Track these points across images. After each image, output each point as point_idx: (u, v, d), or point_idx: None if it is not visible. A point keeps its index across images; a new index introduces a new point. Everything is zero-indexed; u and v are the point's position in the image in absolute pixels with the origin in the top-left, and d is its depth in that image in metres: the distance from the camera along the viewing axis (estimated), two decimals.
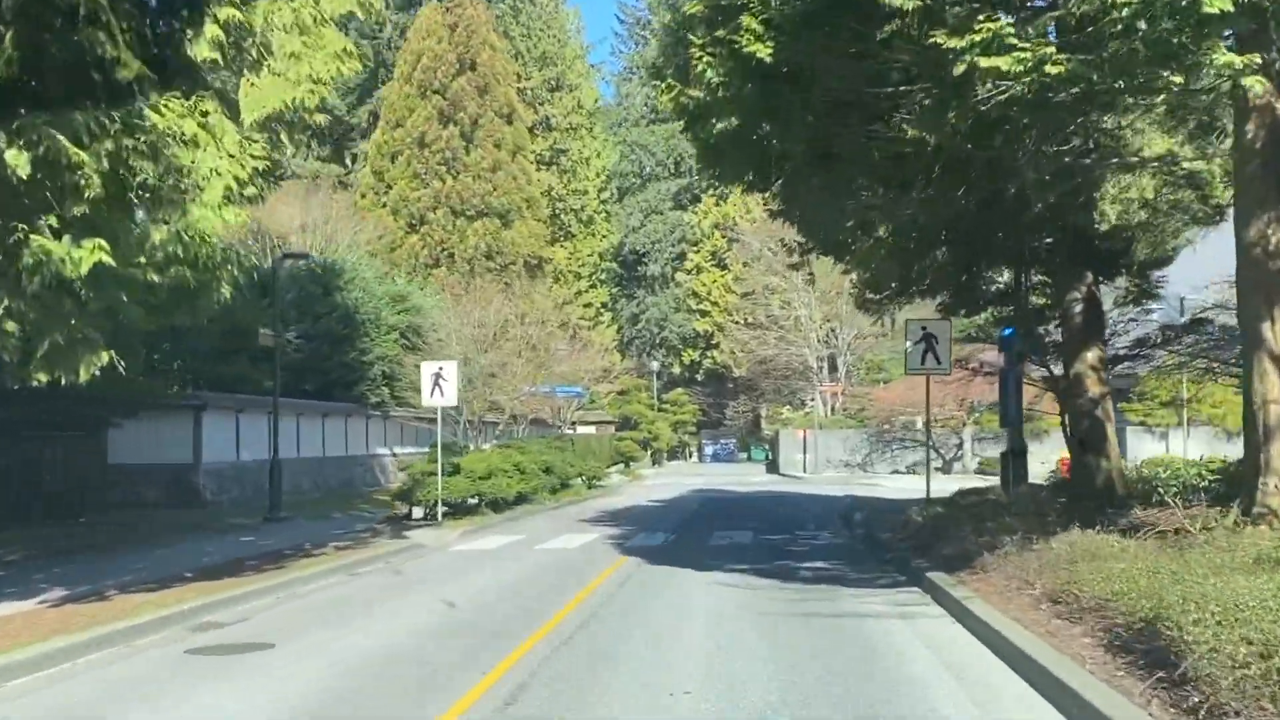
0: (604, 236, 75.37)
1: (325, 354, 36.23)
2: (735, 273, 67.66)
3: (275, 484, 24.74)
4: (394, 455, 40.08)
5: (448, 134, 54.15)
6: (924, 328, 21.94)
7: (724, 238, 69.98)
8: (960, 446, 48.50)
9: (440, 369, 23.76)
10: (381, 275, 42.89)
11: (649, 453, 60.76)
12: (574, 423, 67.01)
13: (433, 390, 23.62)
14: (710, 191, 72.95)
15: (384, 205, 55.07)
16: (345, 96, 71.29)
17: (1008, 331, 22.26)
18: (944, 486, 41.76)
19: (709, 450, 68.62)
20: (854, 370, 56.40)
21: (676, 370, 74.74)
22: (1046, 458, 49.19)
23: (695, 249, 72.75)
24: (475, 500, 25.92)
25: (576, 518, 27.62)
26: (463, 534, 22.39)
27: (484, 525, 24.01)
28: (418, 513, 24.28)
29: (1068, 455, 22.61)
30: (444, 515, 24.04)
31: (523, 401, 45.72)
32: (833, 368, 58.07)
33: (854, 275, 23.47)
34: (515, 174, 56.22)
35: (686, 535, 22.35)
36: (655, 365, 66.99)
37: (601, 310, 75.65)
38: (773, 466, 57.24)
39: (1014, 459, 21.10)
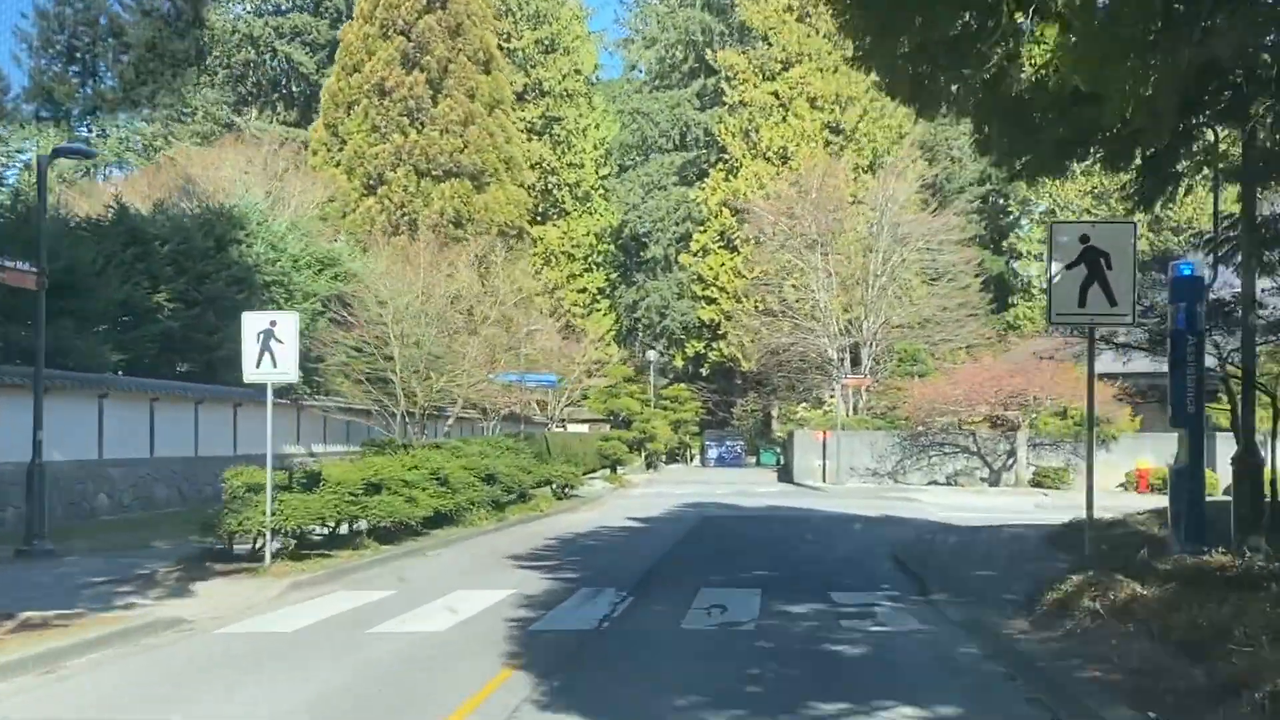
0: (601, 215, 66.50)
1: (211, 325, 27.46)
2: (745, 255, 58.72)
3: (34, 497, 15.90)
4: (312, 456, 31.22)
5: (411, 80, 45.37)
6: (1085, 236, 12.87)
7: (733, 215, 61.02)
8: (1011, 454, 39.47)
9: (273, 324, 14.97)
10: (308, 233, 34.07)
11: (643, 455, 51.96)
12: (563, 420, 58.23)
13: (260, 356, 14.84)
14: (719, 165, 64.02)
15: (337, 164, 46.32)
16: (314, 54, 62.73)
17: (1184, 269, 13.36)
18: (1001, 504, 32.79)
19: (712, 453, 59.75)
20: (881, 363, 47.44)
21: (679, 363, 65.82)
22: (1115, 467, 40.27)
23: (701, 229, 63.84)
24: (351, 528, 17.14)
25: (507, 551, 18.80)
26: (288, 588, 13.60)
27: (339, 570, 15.21)
28: (251, 545, 15.44)
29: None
30: (282, 552, 15.25)
31: (480, 391, 36.90)
32: (855, 361, 49.08)
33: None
34: (492, 130, 47.42)
35: (651, 598, 13.53)
36: (653, 356, 58.02)
37: (598, 296, 66.78)
38: (785, 474, 48.23)
39: (1246, 475, 12.05)
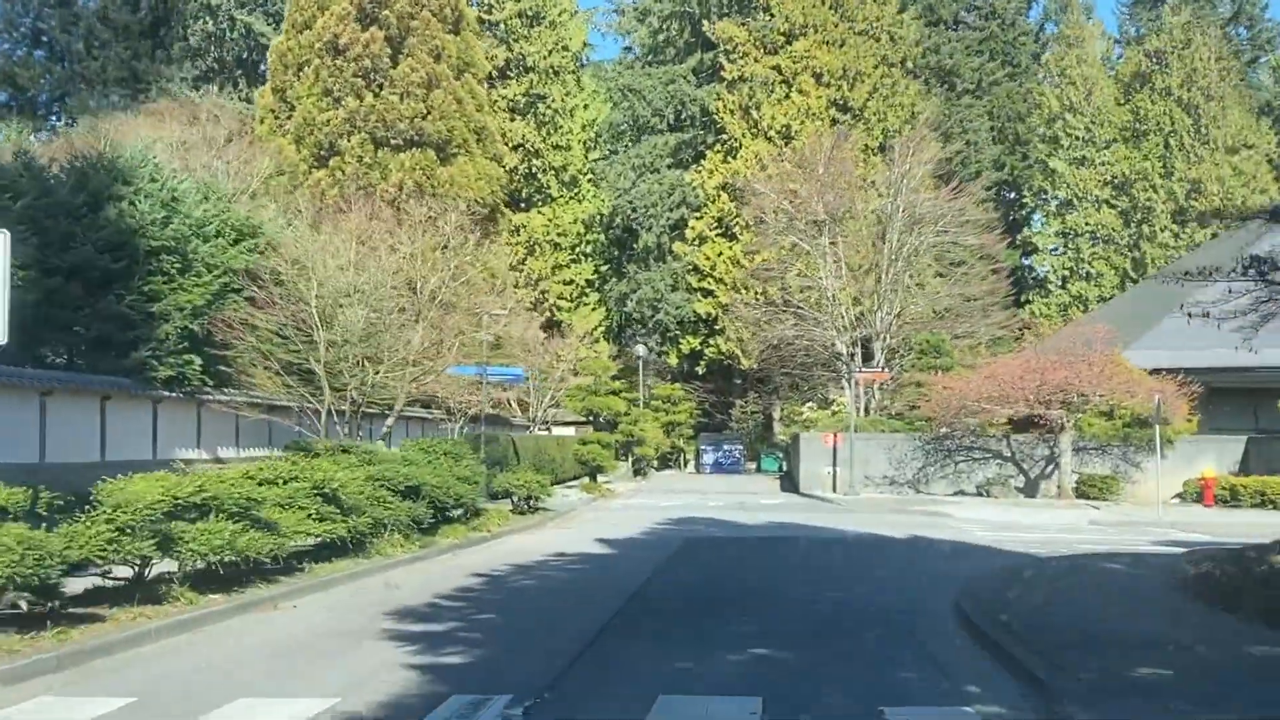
0: (590, 202, 60.61)
1: (77, 301, 21.65)
2: (745, 242, 52.81)
3: None
4: (219, 462, 25.30)
5: (368, 37, 39.46)
6: None
7: (732, 199, 55.11)
8: (1051, 461, 33.56)
9: None
10: (224, 197, 28.16)
11: (630, 460, 46.05)
12: (547, 423, 52.33)
13: None
14: (716, 146, 58.12)
15: (285, 132, 40.47)
16: (276, 24, 56.82)
17: None
18: (1048, 520, 26.90)
19: (708, 458, 53.85)
20: (897, 357, 41.46)
21: (673, 361, 59.89)
22: (1172, 475, 34.31)
23: (697, 215, 57.95)
24: (152, 568, 11.38)
25: (400, 602, 12.93)
26: None
27: (76, 651, 9.31)
28: None
29: None
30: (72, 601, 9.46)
31: (438, 388, 31.23)
32: (867, 356, 43.14)
33: None
34: (460, 96, 41.51)
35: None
36: (642, 351, 52.06)
37: (586, 290, 60.86)
38: (789, 482, 42.39)
39: None
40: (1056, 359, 31.19)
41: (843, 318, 43.38)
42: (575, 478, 38.09)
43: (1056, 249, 74.09)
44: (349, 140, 39.61)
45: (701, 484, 43.26)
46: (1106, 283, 71.05)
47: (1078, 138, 73.19)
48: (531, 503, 27.33)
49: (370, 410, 28.32)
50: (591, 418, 37.10)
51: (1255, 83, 79.42)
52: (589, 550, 19.38)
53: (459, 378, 36.23)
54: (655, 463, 52.30)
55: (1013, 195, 76.88)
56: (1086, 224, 72.74)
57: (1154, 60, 73.71)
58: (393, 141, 40.03)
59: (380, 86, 40.11)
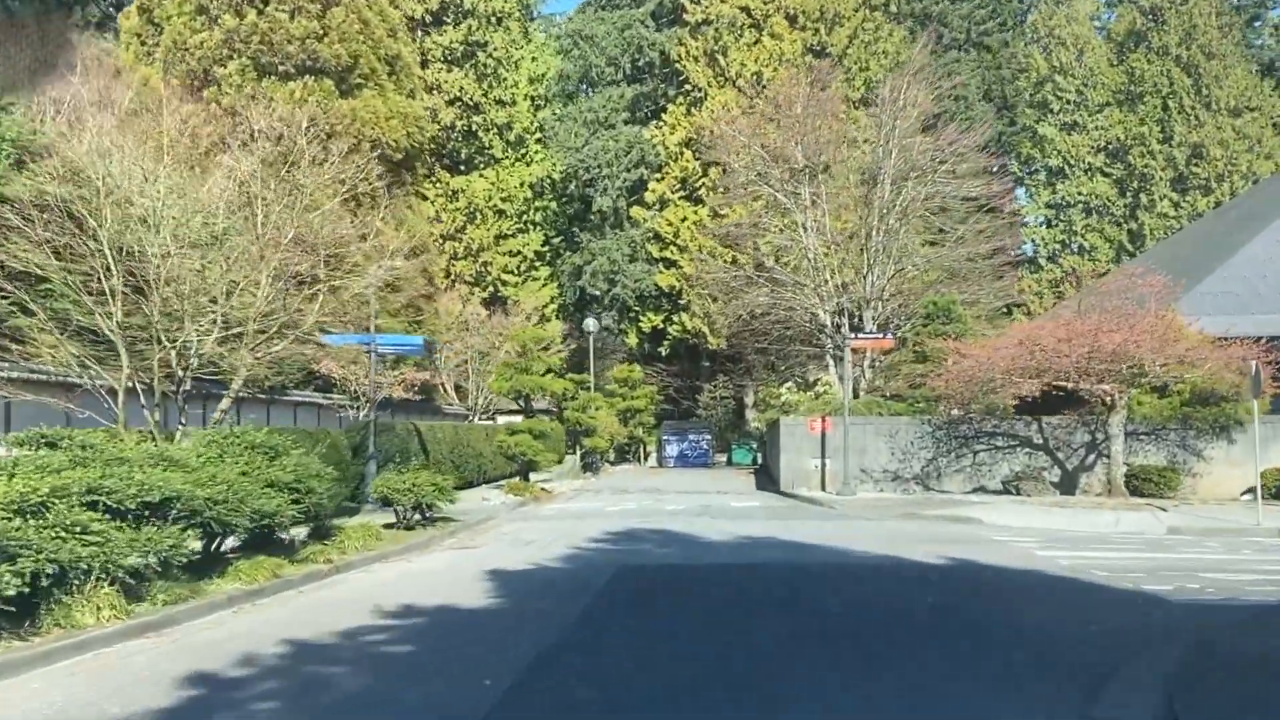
0: (539, 164, 52.88)
1: None
2: (713, 204, 45.25)
3: None
4: None
5: None
6: None
7: (697, 158, 47.53)
8: (1092, 449, 26.27)
9: None
10: None
11: (579, 453, 38.42)
12: (492, 411, 44.64)
13: None
14: (679, 98, 50.45)
15: (153, 60, 32.54)
16: None
17: None
18: (1107, 525, 19.47)
19: (672, 450, 46.29)
20: (892, 327, 33.83)
21: (633, 341, 52.18)
22: (1242, 465, 26.95)
23: (658, 176, 50.31)
24: None
25: None
26: None
27: None
28: None
29: None
30: None
31: (270, 354, 23.56)
32: (855, 330, 35.66)
33: None
34: (367, 18, 33.67)
35: None
36: (592, 325, 44.27)
37: (535, 262, 53.15)
38: (766, 478, 34.95)
39: None
40: (1102, 318, 23.77)
41: (826, 283, 35.93)
42: (510, 475, 30.46)
43: (1051, 221, 67.00)
44: (227, 67, 31.69)
45: (662, 481, 35.68)
46: (1101, 256, 64.10)
47: (1068, 101, 66.24)
48: (426, 512, 19.81)
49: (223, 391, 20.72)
50: (524, 402, 29.48)
51: (1256, 42, 72.59)
52: (455, 601, 11.79)
53: (366, 356, 28.91)
54: (610, 456, 44.70)
55: (997, 167, 69.66)
56: (1079, 194, 65.86)
57: (1150, 17, 66.79)
58: (281, 68, 32.14)
59: (266, 1, 32.21)
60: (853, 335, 27.90)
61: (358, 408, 30.92)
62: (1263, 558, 15.77)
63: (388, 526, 19.56)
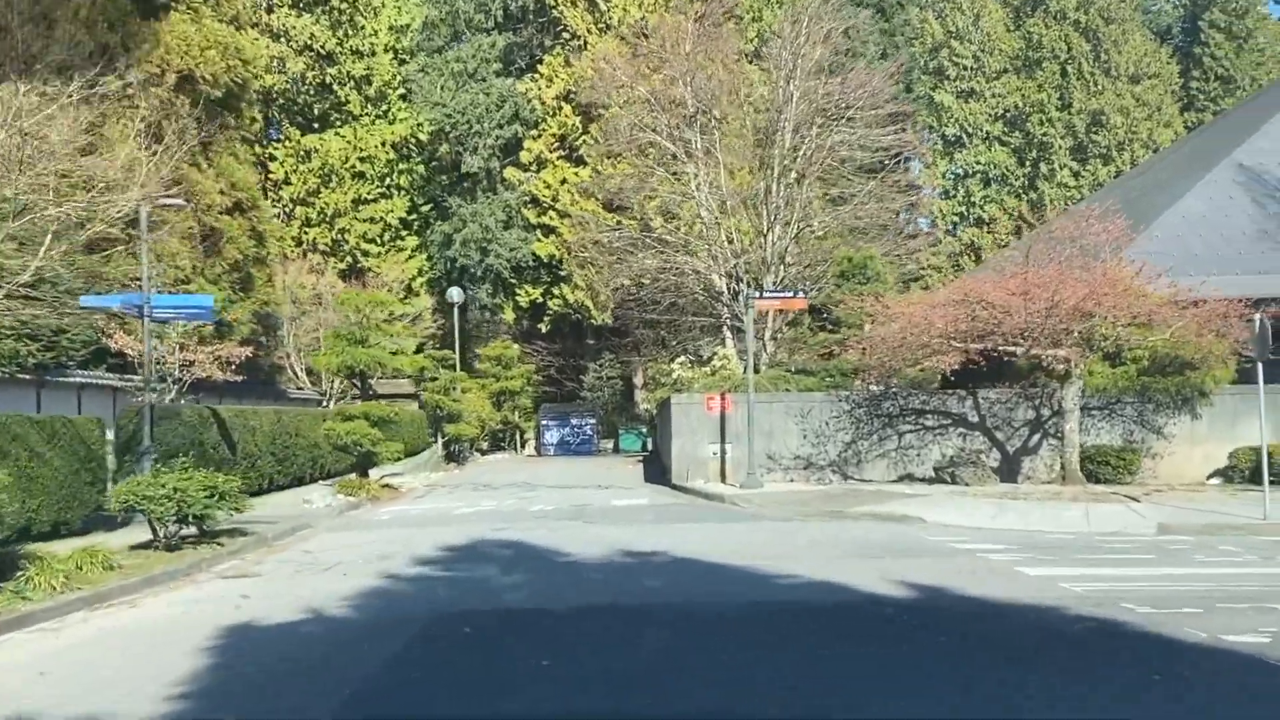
0: (402, 122, 47.14)
1: None
2: (595, 163, 40.23)
3: None
4: None
5: None
6: None
7: (576, 113, 42.43)
8: (1037, 428, 22.08)
9: None
10: None
11: (441, 441, 33.11)
12: (371, 394, 38.84)
13: None
14: (556, 48, 45.20)
15: None
16: None
17: None
18: (1078, 522, 14.90)
19: (552, 437, 41.20)
20: (801, 288, 29.15)
21: (509, 317, 46.81)
22: (1208, 442, 22.42)
23: (534, 133, 44.99)
24: None
25: None
26: None
27: None
28: None
29: None
30: None
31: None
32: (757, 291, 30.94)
33: None
34: None
35: None
36: (456, 294, 38.62)
37: (400, 231, 47.43)
38: (656, 466, 30.20)
39: None
40: (1059, 271, 19.41)
41: (723, 244, 31.23)
42: (354, 469, 24.89)
43: (949, 193, 63.55)
44: None
45: (537, 472, 30.60)
46: (1001, 228, 60.93)
47: (965, 68, 62.86)
48: (201, 525, 14.54)
49: None
50: (360, 383, 23.99)
51: (1152, 7, 70.36)
52: (105, 708, 6.63)
53: (178, 328, 23.44)
54: (483, 445, 39.40)
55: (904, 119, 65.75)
56: (977, 163, 62.61)
57: None
58: None
59: None
60: (757, 294, 23.23)
61: (161, 391, 25.12)
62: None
63: (141, 547, 14.22)
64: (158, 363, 25.00)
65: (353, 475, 22.75)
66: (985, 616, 9.15)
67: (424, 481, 26.31)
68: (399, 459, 24.19)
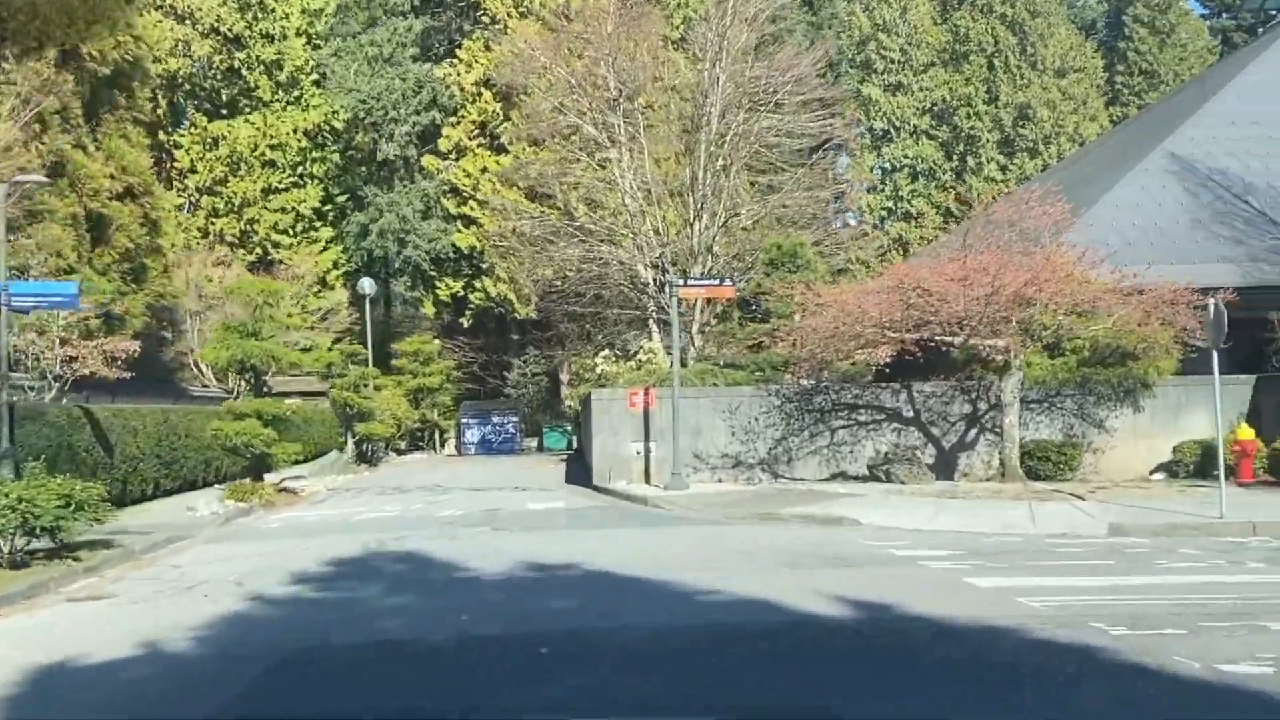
0: (315, 109, 45.03)
1: None
2: (517, 150, 38.61)
3: None
4: None
5: None
6: None
7: (497, 99, 40.78)
8: (973, 422, 21.02)
9: None
10: None
11: (352, 441, 31.31)
12: (268, 391, 36.73)
13: None
14: (476, 32, 43.47)
15: None
16: None
17: None
18: (1022, 525, 13.74)
19: (472, 436, 39.48)
20: (732, 272, 27.74)
21: (429, 311, 44.94)
22: (1153, 436, 21.02)
23: (453, 120, 43.19)
24: None
25: None
26: None
27: None
28: None
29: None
30: None
31: None
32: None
33: None
34: None
35: None
36: (368, 286, 36.72)
37: (314, 222, 45.34)
38: (580, 466, 28.74)
39: None
40: (1000, 257, 18.27)
41: (649, 234, 29.84)
42: (248, 473, 22.96)
43: (877, 188, 62.85)
44: None
45: (453, 473, 28.92)
46: (929, 223, 60.36)
47: (893, 61, 62.27)
48: (54, 537, 12.81)
49: None
50: (253, 378, 22.16)
51: (1077, 2, 70.45)
52: None
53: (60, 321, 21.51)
54: (401, 445, 37.56)
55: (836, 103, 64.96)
56: (905, 157, 62.03)
57: None
58: None
59: None
60: (681, 282, 21.80)
61: (40, 389, 23.04)
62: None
63: None
64: (35, 359, 22.96)
65: (247, 479, 20.90)
66: (935, 643, 7.83)
67: (329, 484, 24.53)
68: (298, 461, 22.44)
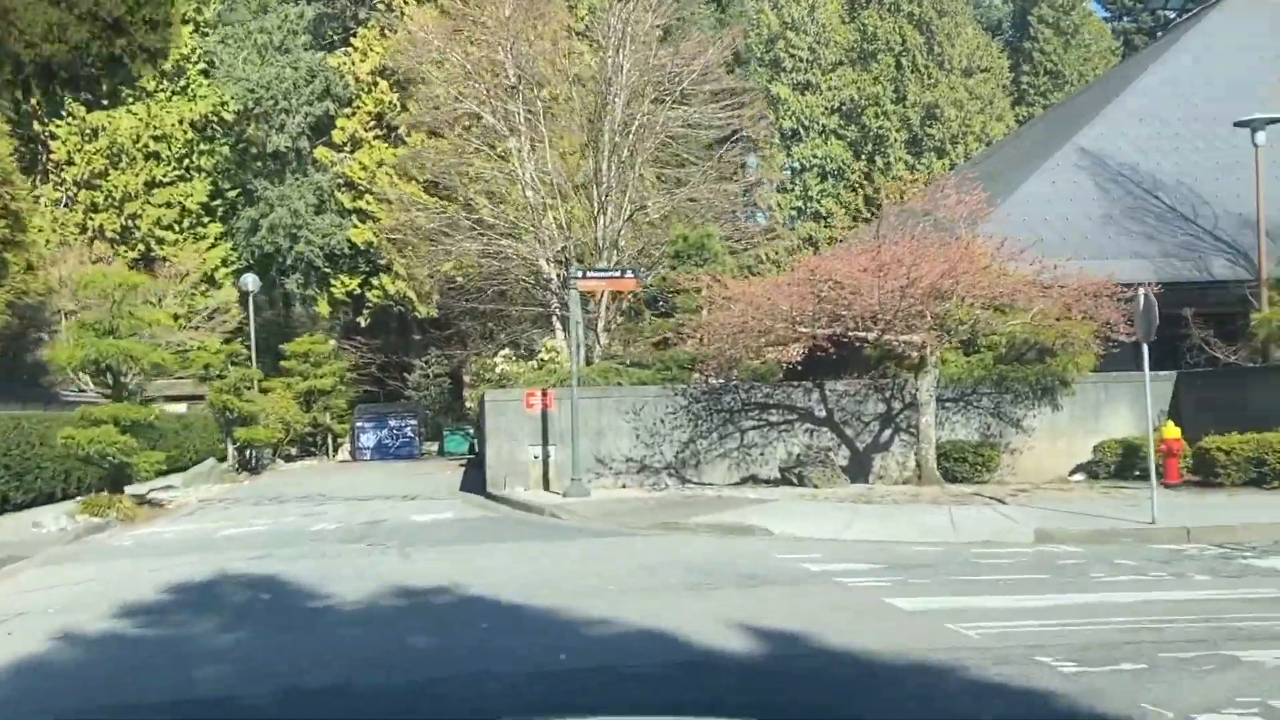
0: (203, 99, 42.59)
1: None
2: (415, 143, 36.83)
3: None
4: None
5: None
6: None
7: (394, 89, 38.94)
8: (887, 422, 19.99)
9: None
10: None
11: (233, 447, 29.32)
12: (128, 394, 34.31)
13: None
14: (371, 20, 41.55)
15: None
16: None
17: None
18: (942, 532, 13.05)
19: (368, 440, 37.53)
20: (638, 266, 26.44)
21: (324, 310, 42.89)
22: (1073, 435, 20.53)
23: (348, 111, 41.21)
24: None
25: None
26: None
27: None
28: None
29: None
30: None
31: None
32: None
33: None
34: None
35: None
36: (251, 282, 34.47)
37: (202, 217, 42.88)
38: (477, 471, 27.06)
39: None
40: (914, 247, 17.22)
41: (551, 228, 28.38)
42: (106, 484, 20.94)
43: (786, 186, 62.18)
44: None
45: (342, 481, 27.11)
46: (838, 223, 59.87)
47: (801, 60, 61.68)
48: None
49: None
50: (111, 379, 20.22)
51: (983, 2, 70.72)
52: None
53: None
54: (291, 450, 35.49)
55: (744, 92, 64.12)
56: (814, 156, 61.46)
57: None
58: None
59: None
60: (580, 274, 20.40)
61: None
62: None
63: None
64: None
65: (104, 492, 18.94)
66: (857, 689, 6.55)
67: (201, 495, 22.61)
68: (163, 471, 20.51)
